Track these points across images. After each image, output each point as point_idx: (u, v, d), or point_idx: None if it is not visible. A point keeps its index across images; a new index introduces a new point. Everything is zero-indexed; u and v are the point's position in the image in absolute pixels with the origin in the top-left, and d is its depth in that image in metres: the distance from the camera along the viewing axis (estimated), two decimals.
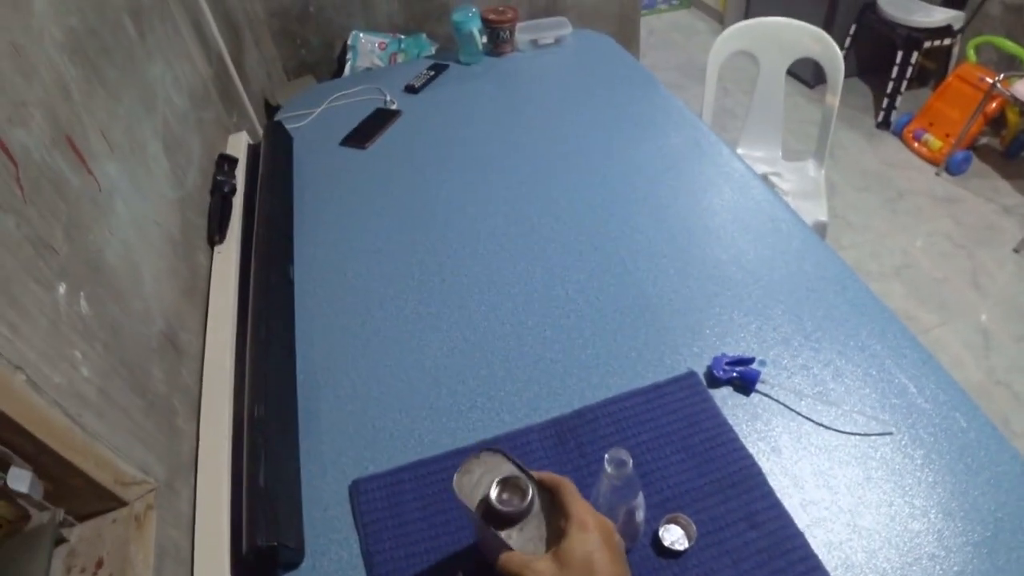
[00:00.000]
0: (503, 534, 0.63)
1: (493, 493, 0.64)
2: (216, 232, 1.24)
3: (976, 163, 2.94)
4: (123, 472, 0.80)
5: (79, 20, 0.99)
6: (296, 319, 1.20)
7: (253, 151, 1.54)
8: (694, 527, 0.81)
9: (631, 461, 0.65)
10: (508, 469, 0.66)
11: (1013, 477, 0.86)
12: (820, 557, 0.80)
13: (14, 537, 0.75)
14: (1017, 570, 0.78)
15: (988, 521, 0.82)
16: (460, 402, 1.03)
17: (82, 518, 0.82)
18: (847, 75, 1.91)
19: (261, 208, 1.34)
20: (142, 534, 0.80)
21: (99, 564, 0.77)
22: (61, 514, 0.78)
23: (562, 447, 0.93)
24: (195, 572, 0.86)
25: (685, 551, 0.81)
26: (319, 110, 1.79)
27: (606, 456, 0.66)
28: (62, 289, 0.77)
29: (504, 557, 0.62)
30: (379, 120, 1.70)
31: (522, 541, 0.63)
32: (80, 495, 0.79)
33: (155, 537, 0.80)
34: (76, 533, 0.81)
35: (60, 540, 0.79)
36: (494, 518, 0.64)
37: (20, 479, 0.71)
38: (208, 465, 0.95)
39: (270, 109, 1.90)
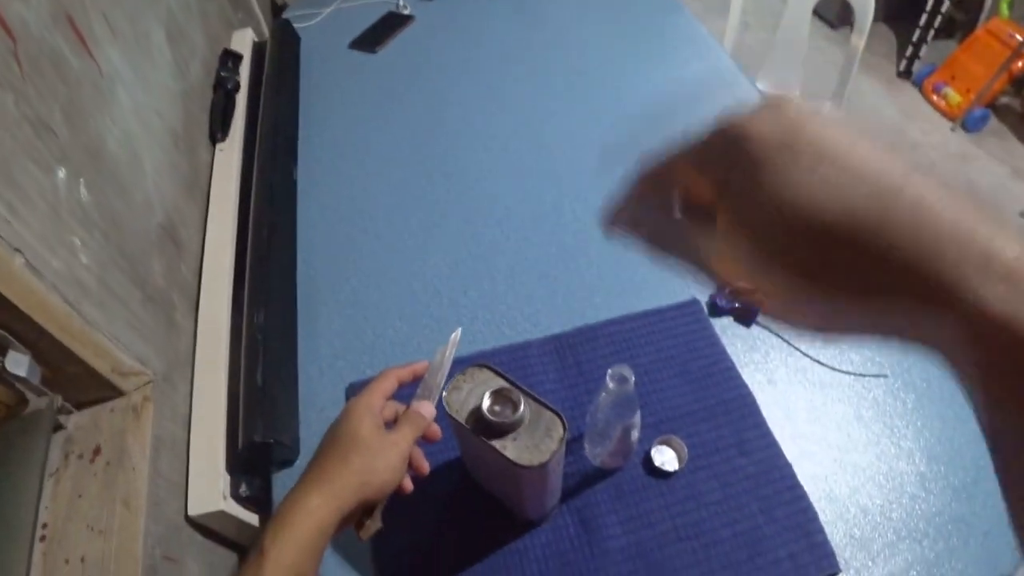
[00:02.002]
0: (496, 444, 0.64)
1: (485, 404, 0.64)
2: (219, 128, 1.21)
3: (993, 122, 2.87)
4: (121, 362, 0.80)
5: None
6: (298, 222, 1.18)
7: (258, 49, 1.49)
8: (686, 450, 0.83)
9: (633, 379, 0.66)
10: (498, 383, 0.66)
11: None
12: (806, 488, 0.82)
13: (12, 421, 0.75)
14: (992, 515, 0.80)
15: (970, 468, 0.84)
16: (461, 314, 1.03)
17: (79, 406, 0.82)
18: (873, 19, 1.84)
19: (266, 108, 1.31)
20: (139, 425, 0.81)
21: (96, 452, 0.78)
22: (59, 400, 0.78)
23: (560, 363, 0.94)
24: (191, 465, 0.87)
25: (675, 472, 0.82)
26: (328, 10, 1.71)
27: (608, 372, 0.66)
28: (61, 173, 0.75)
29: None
30: (391, 24, 1.64)
31: (517, 450, 0.63)
32: (78, 383, 0.79)
33: (152, 429, 0.81)
34: (73, 421, 0.81)
35: (58, 427, 0.80)
36: (486, 429, 0.64)
37: (18, 363, 0.71)
38: (205, 361, 0.95)
39: (276, 8, 1.82)
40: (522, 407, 0.64)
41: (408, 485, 0.61)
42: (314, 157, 1.31)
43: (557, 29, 1.62)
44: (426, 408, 0.62)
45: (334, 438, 0.58)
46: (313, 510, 0.53)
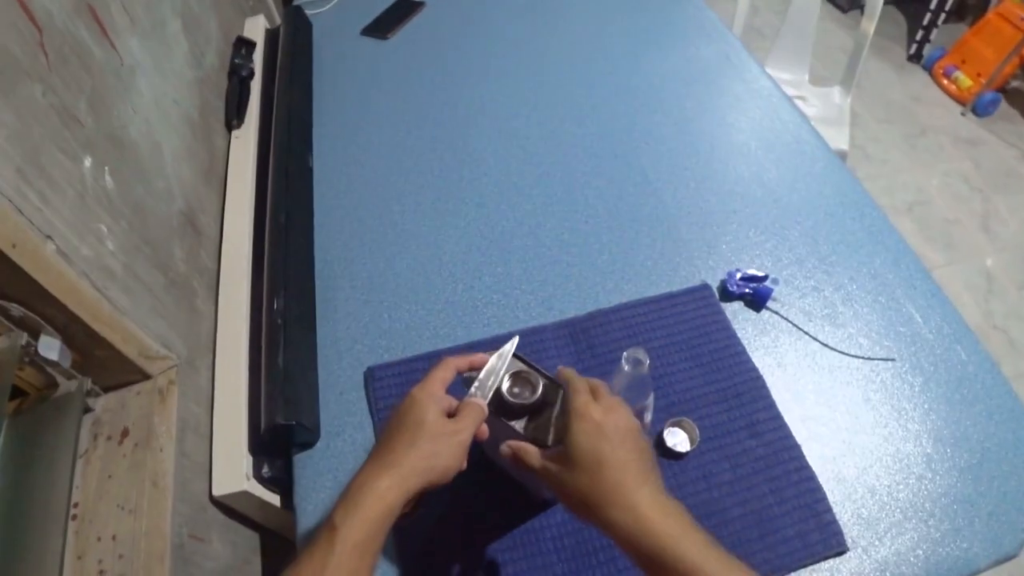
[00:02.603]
0: (516, 424, 0.66)
1: (505, 385, 0.66)
2: (234, 115, 1.22)
3: (1004, 106, 2.85)
4: (147, 346, 0.82)
5: None
6: (314, 208, 1.20)
7: (271, 36, 1.50)
8: (697, 431, 0.85)
9: (648, 361, 0.67)
10: (517, 365, 0.68)
11: (1004, 411, 0.89)
12: (815, 469, 0.84)
13: (43, 404, 0.78)
14: (997, 497, 0.82)
15: (976, 450, 0.86)
16: (476, 298, 1.04)
17: (107, 389, 0.84)
18: (883, 2, 1.83)
19: (280, 94, 1.32)
20: (165, 407, 0.83)
21: (124, 433, 0.80)
22: (88, 383, 0.80)
23: (574, 347, 0.95)
24: (214, 446, 0.89)
25: (687, 453, 0.84)
26: None
27: (624, 354, 0.68)
28: (88, 162, 0.76)
29: (512, 444, 0.64)
30: (402, 10, 1.64)
31: (537, 430, 0.65)
32: (106, 366, 0.81)
33: (177, 410, 0.83)
34: (101, 403, 0.84)
35: (86, 409, 0.82)
36: (506, 411, 0.66)
37: (51, 347, 0.73)
38: (227, 345, 0.97)
39: None
40: (540, 388, 0.66)
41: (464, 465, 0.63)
42: (328, 143, 1.32)
43: (567, 14, 1.63)
44: (483, 403, 0.64)
45: (400, 424, 0.60)
46: (384, 492, 0.55)
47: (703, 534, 0.55)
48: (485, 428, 0.64)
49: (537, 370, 0.68)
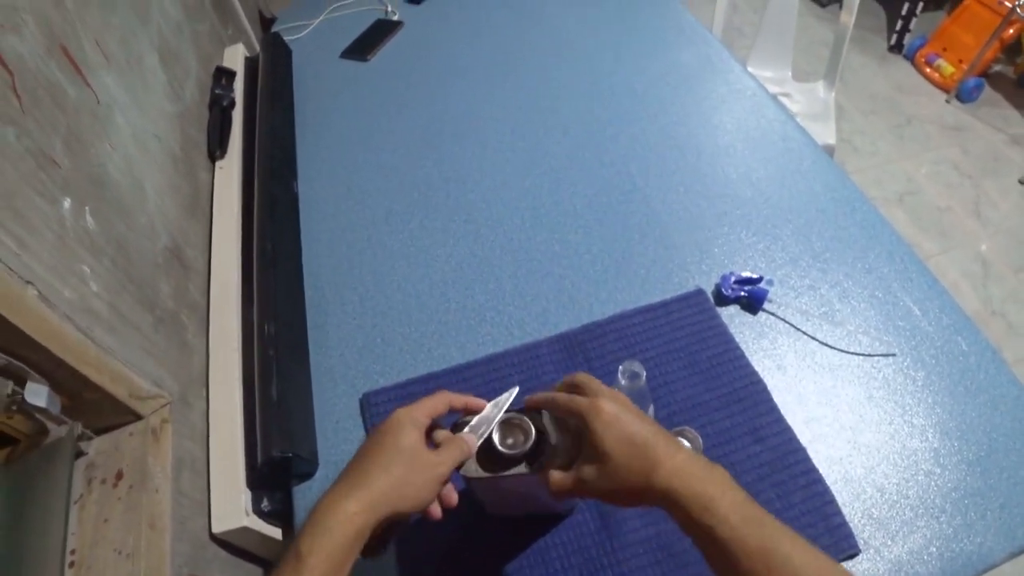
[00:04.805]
0: (514, 471, 0.63)
1: (496, 437, 0.63)
2: (217, 147, 1.21)
3: (988, 91, 2.87)
4: (137, 386, 0.81)
5: None
6: (302, 234, 1.19)
7: (251, 64, 1.49)
8: (700, 440, 0.83)
9: (644, 374, 0.66)
10: (506, 415, 0.65)
11: (1009, 400, 0.88)
12: (821, 471, 0.83)
13: (33, 451, 0.76)
14: (1007, 488, 0.81)
15: (983, 441, 0.85)
16: (469, 316, 1.03)
17: (99, 432, 0.83)
18: None
19: (262, 122, 1.31)
20: (159, 447, 0.82)
21: (119, 476, 0.79)
22: (79, 427, 0.79)
23: (571, 361, 0.94)
24: (212, 483, 0.88)
25: None
26: (317, 21, 1.72)
27: (620, 368, 0.67)
28: (67, 204, 0.75)
29: (553, 480, 0.61)
30: (380, 31, 1.64)
31: (537, 468, 0.63)
32: (96, 409, 0.80)
33: (172, 449, 0.82)
34: (94, 446, 0.82)
35: (79, 453, 0.80)
36: (502, 462, 0.63)
37: (37, 394, 0.72)
38: (219, 379, 0.96)
39: (264, 21, 1.82)
40: (533, 433, 0.63)
41: (437, 511, 0.60)
42: (313, 168, 1.32)
43: (545, 27, 1.63)
44: (472, 441, 0.62)
45: (377, 445, 0.57)
46: (351, 516, 0.52)
47: (740, 491, 0.54)
48: (454, 496, 0.61)
49: (515, 411, 0.65)
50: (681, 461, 0.55)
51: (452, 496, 0.62)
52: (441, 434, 0.63)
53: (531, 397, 0.65)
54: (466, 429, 0.63)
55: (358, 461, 0.57)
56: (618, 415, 0.58)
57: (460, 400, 0.64)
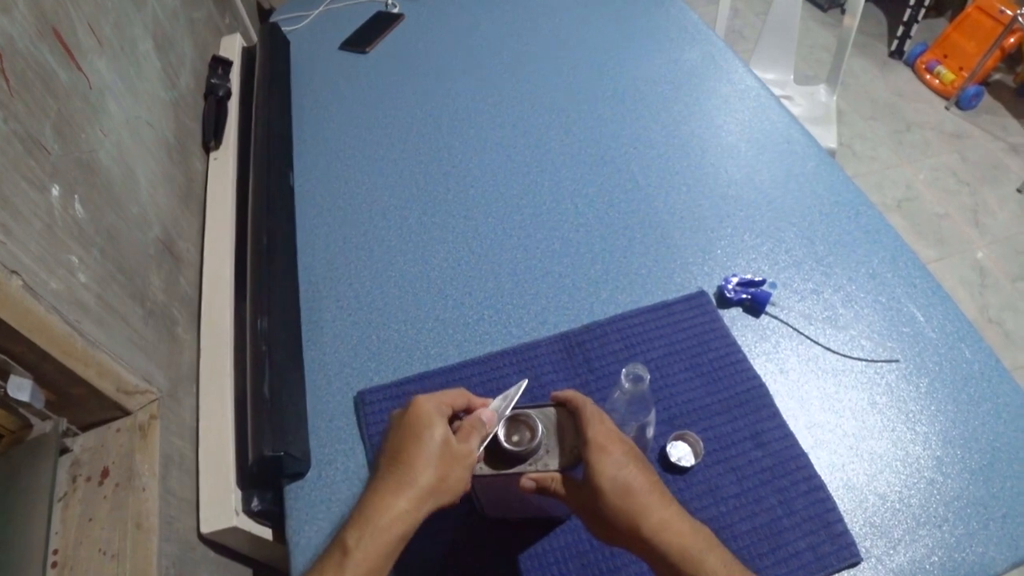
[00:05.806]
0: (518, 469, 0.62)
1: (501, 433, 0.63)
2: (211, 137, 1.19)
3: (987, 99, 2.87)
4: (125, 381, 0.79)
5: None
6: (297, 228, 1.16)
7: (248, 54, 1.47)
8: (701, 444, 0.82)
9: (648, 377, 0.65)
10: (512, 411, 0.65)
11: (1012, 409, 0.87)
12: (823, 477, 0.81)
13: (17, 447, 0.74)
14: (1011, 497, 0.79)
15: (986, 450, 0.83)
16: (467, 314, 1.01)
17: (85, 428, 0.81)
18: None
19: (258, 113, 1.29)
20: (147, 443, 0.79)
21: (105, 474, 0.77)
22: (64, 423, 0.77)
23: (570, 361, 0.93)
24: (200, 481, 0.86)
25: (691, 467, 0.81)
26: (316, 12, 1.69)
27: (623, 371, 0.65)
28: (55, 191, 0.73)
29: (534, 477, 0.61)
30: (380, 24, 1.62)
31: (551, 460, 0.62)
32: (82, 404, 0.78)
33: (160, 446, 0.80)
34: (79, 443, 0.80)
35: (64, 450, 0.78)
36: (506, 459, 0.63)
37: (21, 388, 0.70)
38: (210, 375, 0.94)
39: (263, 12, 1.80)
40: (540, 431, 0.63)
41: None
42: (310, 161, 1.30)
43: (548, 21, 1.61)
44: (491, 417, 0.63)
45: (415, 438, 0.57)
46: (402, 515, 0.53)
47: (727, 551, 0.55)
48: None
49: (522, 408, 0.65)
50: (671, 514, 0.55)
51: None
52: (457, 423, 0.63)
53: (561, 392, 0.65)
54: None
55: (398, 455, 0.57)
56: (624, 457, 0.58)
57: (478, 402, 0.65)
